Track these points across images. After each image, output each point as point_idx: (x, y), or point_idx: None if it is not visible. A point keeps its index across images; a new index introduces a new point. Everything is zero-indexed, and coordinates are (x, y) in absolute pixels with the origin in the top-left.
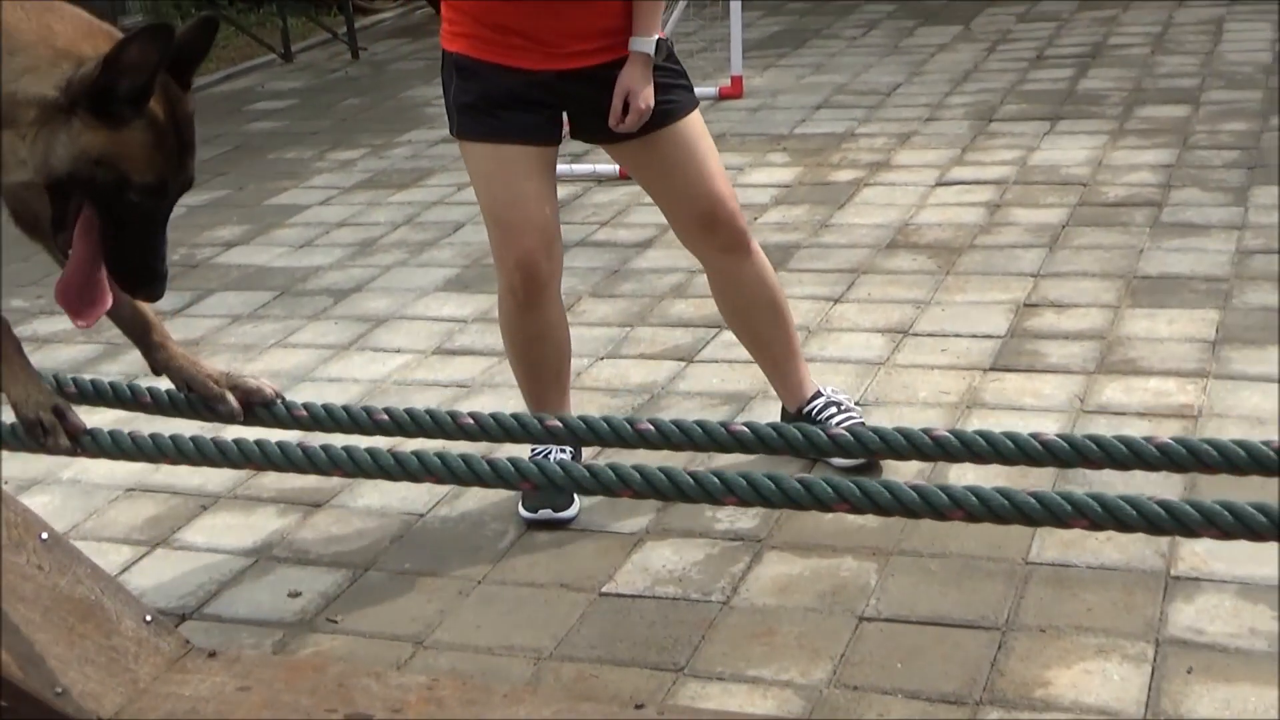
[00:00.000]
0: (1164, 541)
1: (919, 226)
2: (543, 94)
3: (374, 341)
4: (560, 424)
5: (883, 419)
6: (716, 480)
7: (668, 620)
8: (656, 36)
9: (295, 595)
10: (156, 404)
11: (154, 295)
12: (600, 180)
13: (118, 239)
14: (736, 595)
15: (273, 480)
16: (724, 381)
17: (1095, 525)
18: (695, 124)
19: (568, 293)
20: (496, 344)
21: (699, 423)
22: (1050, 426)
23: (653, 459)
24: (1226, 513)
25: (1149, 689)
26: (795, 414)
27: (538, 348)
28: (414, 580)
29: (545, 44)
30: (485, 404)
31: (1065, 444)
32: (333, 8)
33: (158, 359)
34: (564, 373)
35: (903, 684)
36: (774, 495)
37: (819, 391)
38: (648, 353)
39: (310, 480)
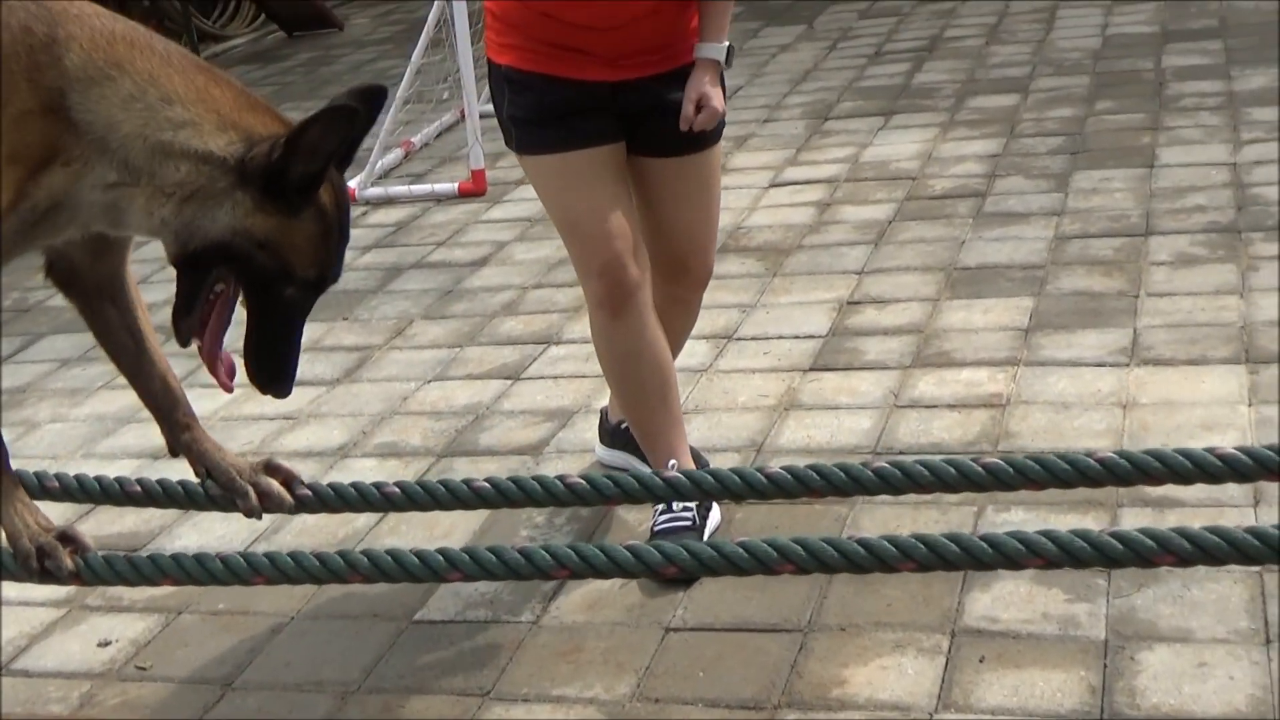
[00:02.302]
0: (966, 531)
1: (749, 230)
2: (599, 102)
3: (204, 377)
4: (353, 491)
5: (701, 425)
6: (547, 555)
7: (477, 644)
8: (726, 43)
9: (105, 644)
10: (149, 496)
11: (284, 392)
12: (439, 200)
13: (260, 331)
14: (546, 614)
15: (90, 526)
16: (548, 398)
17: (922, 567)
18: (719, 152)
19: (398, 317)
20: (325, 373)
21: (514, 479)
22: (864, 424)
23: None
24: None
25: (941, 681)
26: (615, 425)
27: (634, 365)
28: (227, 620)
29: (601, 56)
30: (310, 436)
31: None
32: (180, 36)
33: (180, 439)
34: (670, 394)
35: (704, 693)
36: (605, 566)
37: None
38: (475, 373)
39: (128, 523)
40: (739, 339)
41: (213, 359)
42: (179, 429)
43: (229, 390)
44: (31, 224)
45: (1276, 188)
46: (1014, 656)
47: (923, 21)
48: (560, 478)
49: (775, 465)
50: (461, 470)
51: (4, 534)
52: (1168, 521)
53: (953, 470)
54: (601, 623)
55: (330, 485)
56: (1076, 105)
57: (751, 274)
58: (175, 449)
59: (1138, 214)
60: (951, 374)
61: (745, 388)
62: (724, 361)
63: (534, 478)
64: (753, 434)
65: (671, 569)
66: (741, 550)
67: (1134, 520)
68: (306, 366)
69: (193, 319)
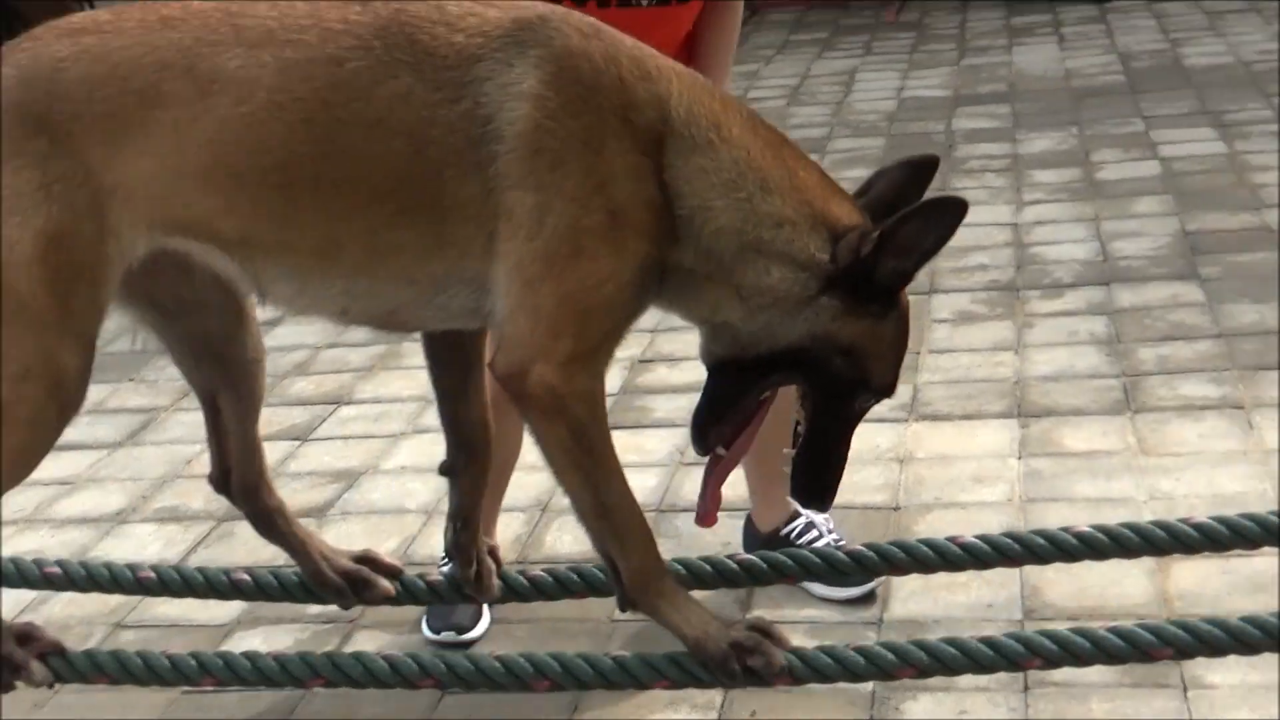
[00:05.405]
0: (743, 591)
1: None
2: None
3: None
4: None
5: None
6: (302, 663)
7: (249, 713)
8: None
9: None
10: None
11: (827, 506)
12: None
13: (820, 441)
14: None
15: None
16: (336, 459)
17: (675, 685)
18: None
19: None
20: (106, 436)
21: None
22: (650, 482)
23: None
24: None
25: None
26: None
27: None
28: None
29: None
30: (86, 501)
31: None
32: None
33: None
34: (505, 479)
35: None
36: (362, 676)
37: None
38: (263, 434)
39: None
40: None
41: (723, 477)
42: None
43: (710, 524)
44: (655, 277)
45: (1053, 247)
46: (785, 706)
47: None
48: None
49: (560, 526)
50: (242, 535)
51: (683, 644)
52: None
53: (708, 569)
54: None
55: (82, 563)
56: (871, 166)
57: None
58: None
59: (922, 273)
60: None
61: (532, 446)
62: None
63: (295, 573)
64: (539, 494)
65: (428, 681)
66: (498, 665)
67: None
68: (86, 430)
69: (723, 427)
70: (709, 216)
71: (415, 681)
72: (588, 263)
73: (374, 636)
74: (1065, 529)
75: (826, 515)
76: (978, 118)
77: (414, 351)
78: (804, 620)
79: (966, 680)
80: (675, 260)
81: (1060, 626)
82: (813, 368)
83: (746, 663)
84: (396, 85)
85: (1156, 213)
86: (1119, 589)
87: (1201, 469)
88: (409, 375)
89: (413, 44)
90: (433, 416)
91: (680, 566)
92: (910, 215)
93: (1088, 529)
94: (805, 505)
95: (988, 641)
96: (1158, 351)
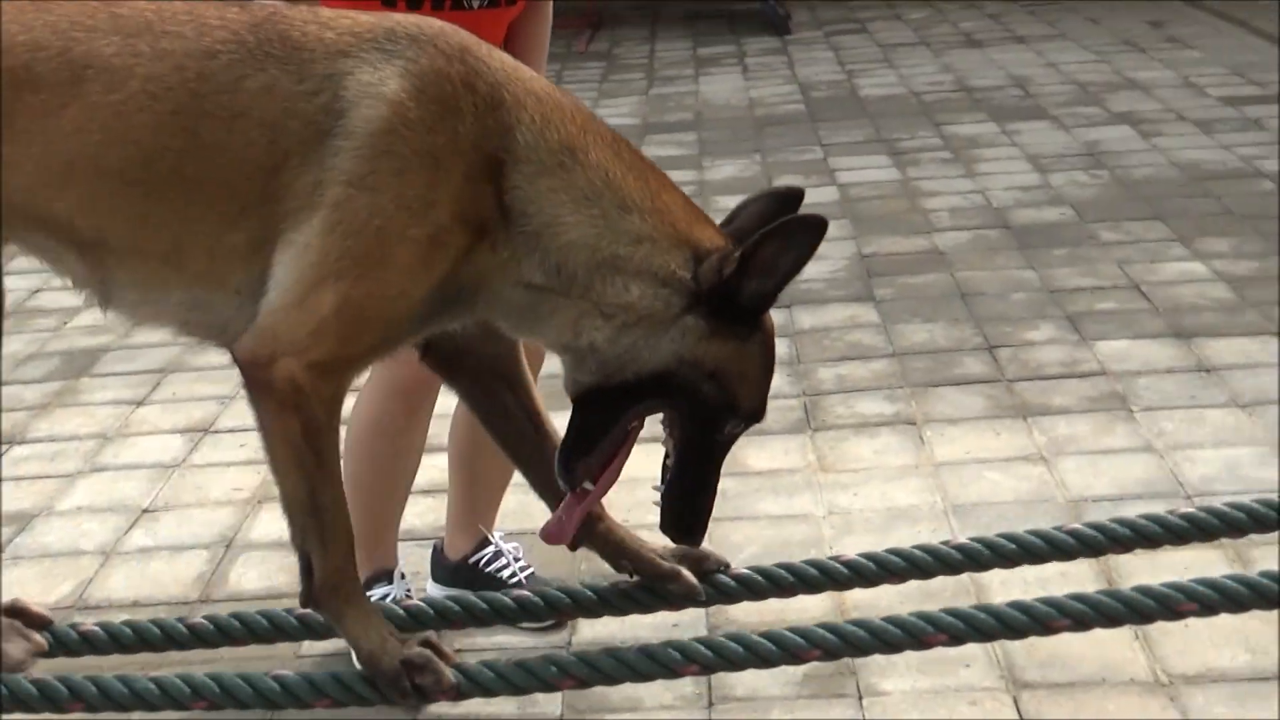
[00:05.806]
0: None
1: None
2: None
3: None
4: None
5: (171, 524)
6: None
7: None
8: None
9: None
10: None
11: (698, 541)
12: None
13: (690, 473)
14: None
15: None
16: (7, 501)
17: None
18: None
19: None
20: None
21: None
22: None
23: None
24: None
25: None
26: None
27: (405, 461)
28: None
29: None
30: None
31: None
32: None
33: (594, 530)
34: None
35: None
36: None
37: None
38: None
39: None
40: (215, 431)
41: (587, 509)
42: (592, 519)
43: (575, 548)
44: (446, 301)
45: None
46: None
47: None
48: None
49: (244, 562)
50: None
51: (355, 654)
52: None
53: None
54: None
55: None
56: None
57: (230, 364)
58: (578, 544)
59: None
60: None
61: (219, 482)
62: (198, 455)
63: None
64: (224, 529)
65: (77, 705)
66: (154, 687)
67: None
68: None
69: (592, 460)
70: (558, 231)
71: (65, 705)
72: (391, 273)
73: None
74: (737, 574)
75: (515, 545)
76: (666, 145)
77: (91, 388)
78: (494, 647)
79: (653, 699)
80: (523, 279)
81: None
82: (680, 393)
83: (415, 680)
84: (264, 78)
85: (835, 237)
86: (799, 603)
87: (876, 484)
88: (86, 412)
89: (284, 39)
90: (111, 454)
91: None
92: (769, 235)
93: (745, 571)
94: (676, 540)
95: (645, 651)
96: (836, 371)
